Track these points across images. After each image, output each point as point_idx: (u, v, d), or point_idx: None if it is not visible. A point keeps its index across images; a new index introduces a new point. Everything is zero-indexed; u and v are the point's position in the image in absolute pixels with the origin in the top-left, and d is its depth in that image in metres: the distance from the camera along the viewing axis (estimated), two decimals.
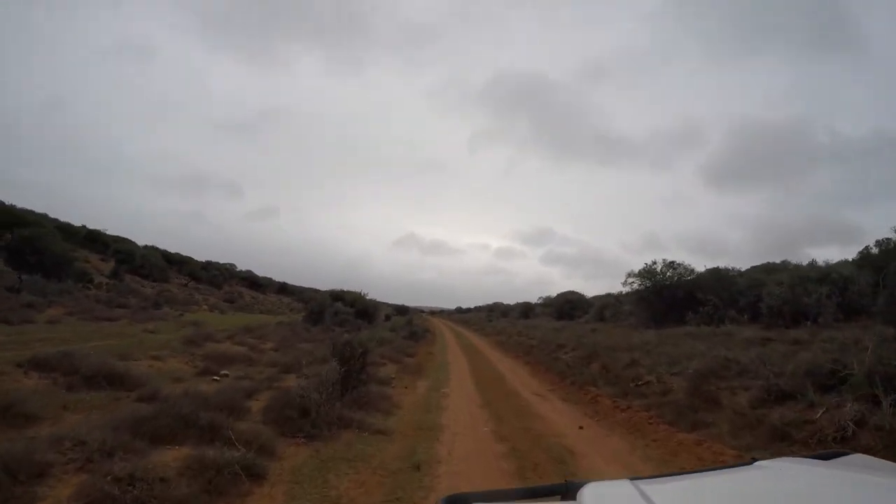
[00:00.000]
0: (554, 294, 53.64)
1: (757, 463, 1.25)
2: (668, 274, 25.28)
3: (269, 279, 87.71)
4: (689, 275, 25.11)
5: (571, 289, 49.48)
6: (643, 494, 0.93)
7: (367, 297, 39.03)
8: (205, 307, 38.20)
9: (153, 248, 61.13)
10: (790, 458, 1.28)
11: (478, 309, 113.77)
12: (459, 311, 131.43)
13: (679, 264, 25.57)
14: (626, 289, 26.55)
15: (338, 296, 39.79)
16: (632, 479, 1.05)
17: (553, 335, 21.16)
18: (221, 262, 78.76)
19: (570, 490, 1.10)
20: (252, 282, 79.92)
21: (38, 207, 51.78)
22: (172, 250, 68.11)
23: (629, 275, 26.07)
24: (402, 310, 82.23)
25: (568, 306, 40.19)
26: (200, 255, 74.34)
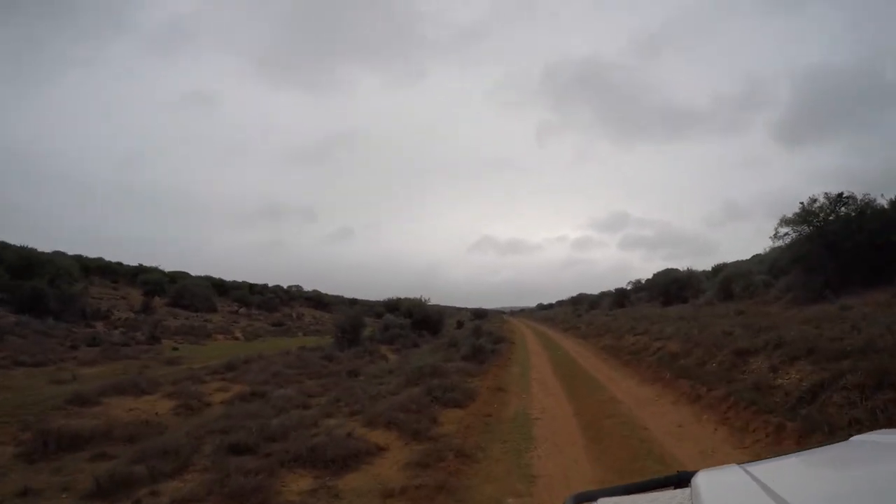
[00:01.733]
0: (644, 278, 45.42)
1: (853, 438, 1.24)
2: (840, 212, 17.32)
3: (340, 297, 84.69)
4: (871, 210, 17.13)
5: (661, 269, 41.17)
6: (754, 477, 0.94)
7: (429, 304, 32.94)
8: (238, 335, 33.28)
9: (204, 278, 58.31)
10: (887, 431, 1.25)
11: (560, 304, 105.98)
12: (541, 307, 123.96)
13: (850, 197, 17.55)
14: (777, 243, 18.78)
15: (392, 305, 34.05)
16: (741, 464, 1.07)
17: (687, 327, 13.86)
18: (296, 285, 76.89)
19: (682, 480, 1.13)
20: (318, 301, 76.73)
21: (128, 260, 54.69)
22: (258, 282, 67.36)
23: (781, 222, 18.29)
24: (479, 313, 76.48)
25: (675, 286, 32.11)
26: (283, 282, 72.80)
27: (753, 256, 33.51)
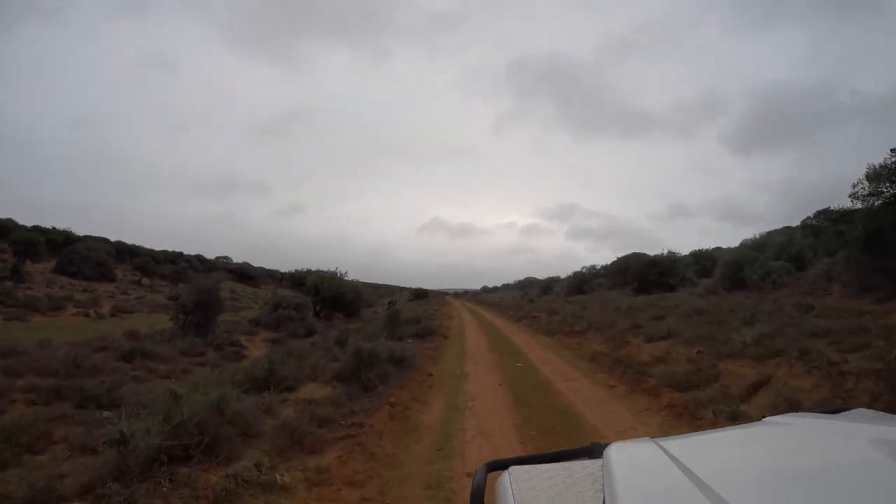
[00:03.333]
0: (599, 263, 39.58)
1: (766, 419, 1.26)
2: None
3: (274, 271, 76.71)
4: None
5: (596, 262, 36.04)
6: (665, 451, 0.97)
7: (346, 279, 25.63)
8: (103, 309, 24.97)
9: (101, 240, 48.71)
10: (798, 414, 1.30)
11: (506, 287, 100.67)
12: (486, 290, 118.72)
13: None
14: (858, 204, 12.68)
15: (298, 279, 26.47)
16: (653, 438, 1.11)
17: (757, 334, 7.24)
18: (224, 257, 71.17)
19: (595, 451, 1.18)
20: (242, 275, 68.15)
21: (70, 226, 49.69)
22: (209, 255, 63.39)
23: (859, 182, 12.14)
24: (419, 294, 70.12)
25: (655, 272, 26.10)
26: (242, 257, 65.72)
27: (743, 242, 28.08)
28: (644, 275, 26.26)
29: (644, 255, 36.45)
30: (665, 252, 27.07)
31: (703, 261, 28.23)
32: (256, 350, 13.43)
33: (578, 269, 40.81)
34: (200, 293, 13.65)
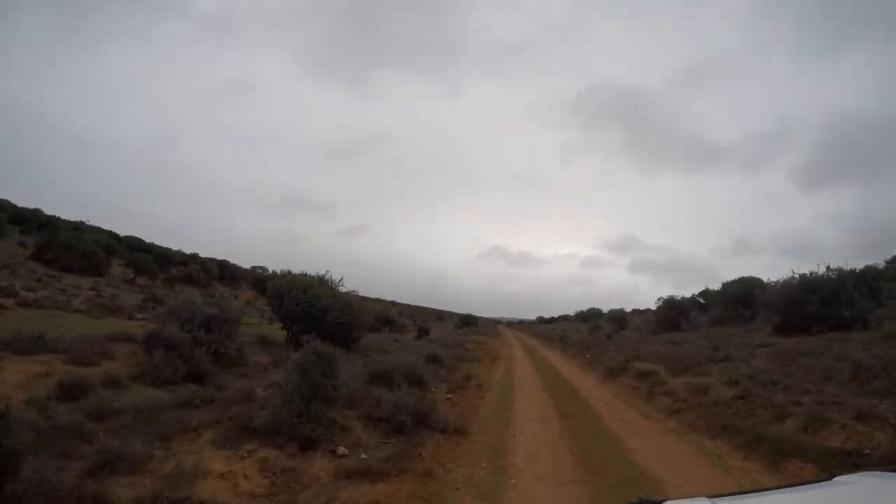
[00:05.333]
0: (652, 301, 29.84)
1: (836, 478, 1.18)
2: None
3: None
4: None
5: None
6: None
7: (337, 290, 17.27)
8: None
9: (94, 229, 43.45)
10: (871, 473, 1.22)
11: (564, 319, 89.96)
12: (541, 320, 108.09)
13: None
14: None
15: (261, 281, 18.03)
16: (709, 496, 1.04)
17: None
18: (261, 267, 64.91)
19: None
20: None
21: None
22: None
23: None
24: (468, 320, 62.25)
25: (815, 299, 16.56)
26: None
27: None
28: (796, 304, 16.77)
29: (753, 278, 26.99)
30: (825, 268, 17.47)
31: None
32: None
33: (640, 305, 31.64)
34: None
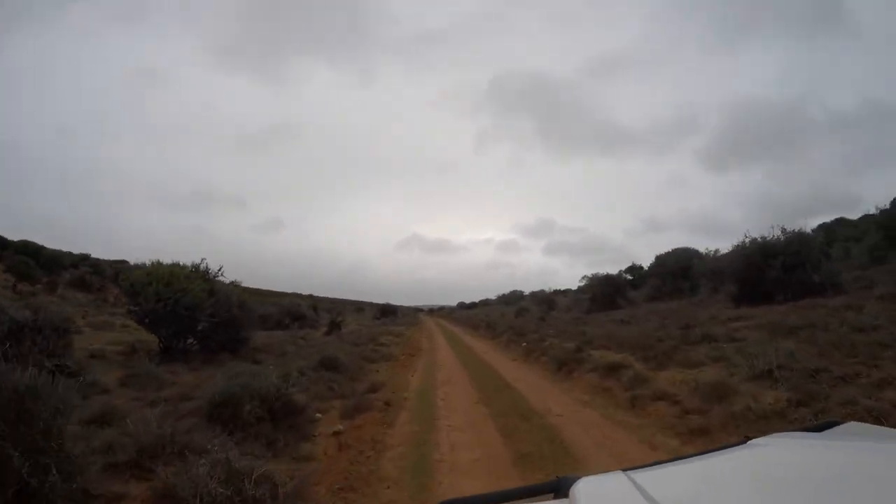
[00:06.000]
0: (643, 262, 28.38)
1: (750, 441, 1.14)
2: None
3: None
4: None
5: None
6: (637, 486, 0.88)
7: (219, 282, 13.03)
8: None
9: None
10: (783, 434, 1.21)
11: (486, 303, 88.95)
12: (462, 306, 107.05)
13: None
14: None
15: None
16: (625, 469, 1.00)
17: None
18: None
19: (562, 486, 1.02)
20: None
21: (42, 239, 44.45)
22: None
23: None
24: (387, 310, 59.88)
25: (778, 263, 14.50)
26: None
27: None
28: (757, 271, 14.69)
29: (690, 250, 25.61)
30: (780, 231, 15.52)
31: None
32: None
33: (557, 286, 30.42)
34: None
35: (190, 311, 11.91)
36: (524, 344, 14.65)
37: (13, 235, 39.86)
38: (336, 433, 5.72)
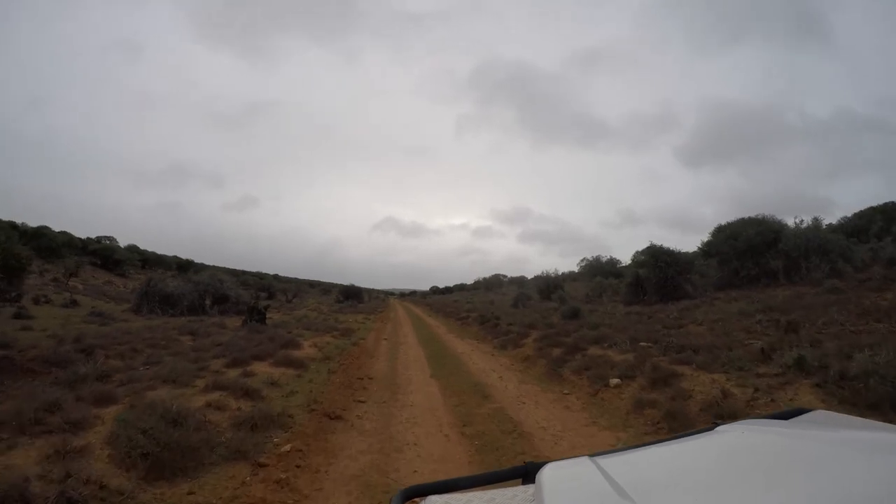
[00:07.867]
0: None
1: (718, 427, 1.16)
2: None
3: (176, 258, 62.59)
4: None
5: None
6: (603, 471, 0.89)
7: None
8: None
9: None
10: (751, 420, 1.23)
11: (461, 288, 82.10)
12: (436, 291, 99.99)
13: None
14: None
15: None
16: (591, 455, 1.02)
17: None
18: (107, 237, 54.05)
19: (529, 472, 1.06)
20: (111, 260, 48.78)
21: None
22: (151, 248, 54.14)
23: None
24: (350, 292, 51.49)
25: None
26: (182, 250, 50.91)
27: None
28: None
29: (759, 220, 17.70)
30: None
31: None
32: None
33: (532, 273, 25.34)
34: None
35: None
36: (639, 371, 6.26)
37: None
38: None
